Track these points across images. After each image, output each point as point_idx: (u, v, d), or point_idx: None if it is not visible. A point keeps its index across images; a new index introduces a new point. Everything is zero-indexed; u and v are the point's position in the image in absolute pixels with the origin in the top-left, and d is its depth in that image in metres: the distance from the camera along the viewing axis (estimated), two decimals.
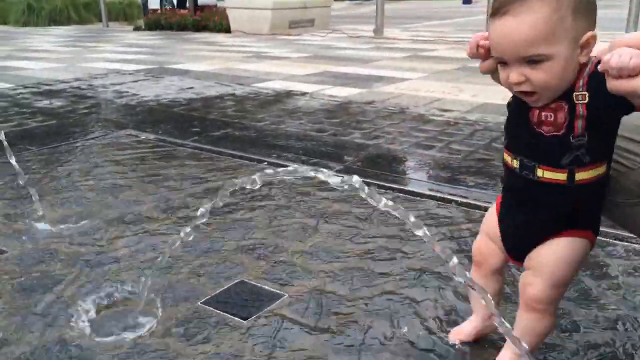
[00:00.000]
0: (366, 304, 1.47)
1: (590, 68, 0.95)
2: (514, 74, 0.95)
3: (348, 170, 2.58)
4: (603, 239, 1.77)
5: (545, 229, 1.06)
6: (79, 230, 1.92)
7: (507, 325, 1.04)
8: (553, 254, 1.04)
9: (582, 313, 1.41)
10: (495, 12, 0.95)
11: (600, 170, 1.00)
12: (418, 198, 2.22)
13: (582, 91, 0.95)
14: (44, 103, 4.17)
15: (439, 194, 2.26)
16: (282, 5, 10.65)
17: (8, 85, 4.97)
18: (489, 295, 1.04)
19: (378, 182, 2.40)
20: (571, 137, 0.96)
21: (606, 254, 1.72)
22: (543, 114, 0.99)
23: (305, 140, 3.11)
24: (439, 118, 3.58)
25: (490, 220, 1.17)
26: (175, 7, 14.36)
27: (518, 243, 1.11)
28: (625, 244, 1.77)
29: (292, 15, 10.55)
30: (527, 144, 1.02)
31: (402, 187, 2.35)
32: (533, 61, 0.93)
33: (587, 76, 0.95)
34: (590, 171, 0.99)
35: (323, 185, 2.30)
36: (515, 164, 1.04)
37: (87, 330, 1.36)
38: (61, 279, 1.60)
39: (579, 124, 0.95)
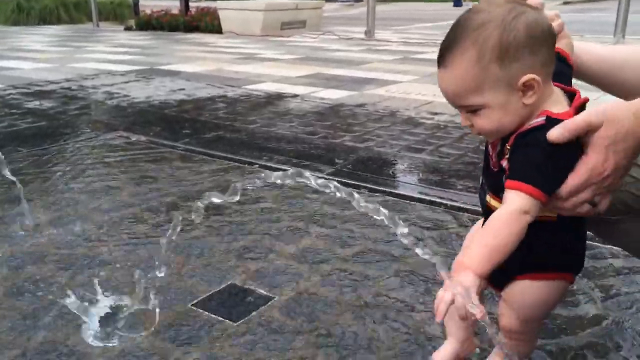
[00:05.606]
0: (356, 306, 1.49)
1: (532, 123, 0.92)
2: (462, 119, 0.98)
3: (338, 174, 2.60)
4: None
5: (512, 264, 1.00)
6: (70, 232, 1.93)
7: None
8: (525, 295, 1.03)
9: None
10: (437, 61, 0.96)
11: (548, 213, 0.97)
12: (407, 201, 2.24)
13: (509, 147, 0.95)
14: (34, 104, 4.16)
15: (428, 197, 2.28)
16: (274, 6, 10.66)
17: None
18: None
19: (368, 185, 2.42)
20: (503, 177, 0.95)
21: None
22: (489, 147, 1.03)
23: (296, 143, 3.13)
24: (429, 121, 3.61)
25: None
26: None
27: (497, 272, 1.07)
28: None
29: (284, 17, 10.56)
30: (484, 170, 1.07)
31: (391, 190, 2.37)
32: (471, 110, 0.95)
33: (517, 133, 0.93)
34: None
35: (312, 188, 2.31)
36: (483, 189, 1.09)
37: (79, 333, 1.37)
38: (52, 282, 1.60)
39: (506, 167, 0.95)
